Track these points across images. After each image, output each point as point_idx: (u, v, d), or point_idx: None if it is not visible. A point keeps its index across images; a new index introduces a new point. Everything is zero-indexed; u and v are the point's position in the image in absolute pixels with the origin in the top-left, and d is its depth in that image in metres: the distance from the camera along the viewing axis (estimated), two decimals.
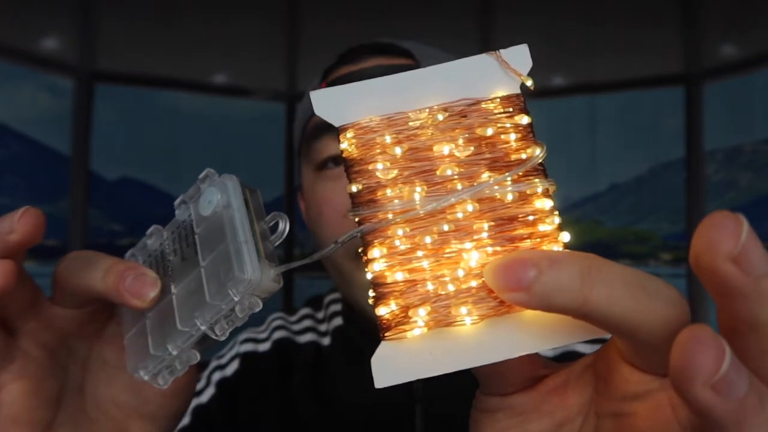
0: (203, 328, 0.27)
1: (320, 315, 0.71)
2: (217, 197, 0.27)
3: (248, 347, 0.68)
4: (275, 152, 5.54)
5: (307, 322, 0.70)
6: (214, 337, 0.27)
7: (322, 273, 0.65)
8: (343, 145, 0.23)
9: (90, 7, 3.98)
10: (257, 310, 0.26)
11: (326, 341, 0.67)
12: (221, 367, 0.67)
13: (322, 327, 0.70)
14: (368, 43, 0.63)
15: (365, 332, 0.62)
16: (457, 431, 0.59)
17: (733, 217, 0.18)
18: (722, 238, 0.18)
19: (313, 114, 0.61)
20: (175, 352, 0.28)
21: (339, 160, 0.58)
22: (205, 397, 0.65)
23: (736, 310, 0.18)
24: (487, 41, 4.52)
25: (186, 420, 0.62)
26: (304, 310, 0.72)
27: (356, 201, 0.23)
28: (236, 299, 0.25)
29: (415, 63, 0.60)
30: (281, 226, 0.27)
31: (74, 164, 4.68)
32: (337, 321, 0.68)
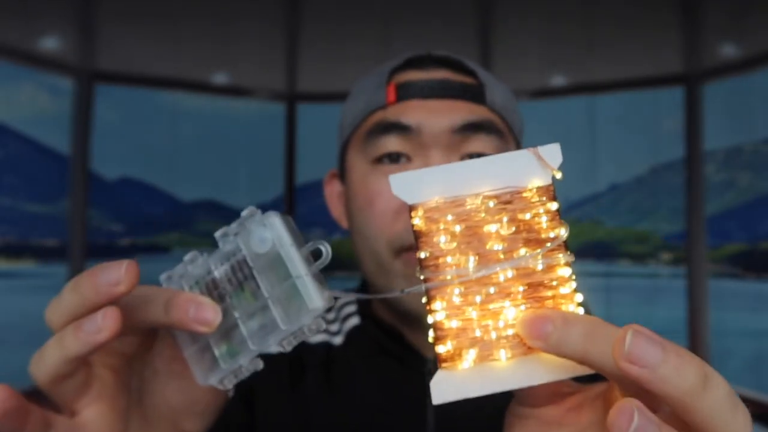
0: (275, 347, 0.33)
1: (330, 316, 0.73)
2: (269, 235, 0.32)
3: None
4: (275, 152, 5.54)
5: None
6: (281, 350, 0.33)
7: (333, 273, 0.66)
8: (416, 221, 0.30)
9: (90, 7, 3.98)
10: (323, 329, 0.33)
11: (338, 340, 0.69)
12: None
13: (333, 327, 0.71)
14: (437, 55, 0.65)
15: (386, 330, 0.65)
16: (468, 425, 0.60)
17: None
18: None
19: (375, 109, 0.64)
20: (245, 364, 0.34)
21: (395, 157, 0.61)
22: None
23: None
24: (486, 41, 4.52)
25: None
26: None
27: (423, 264, 0.30)
28: (306, 323, 0.32)
29: (478, 83, 0.63)
30: (324, 252, 0.32)
31: (74, 164, 4.68)
32: (353, 321, 0.70)
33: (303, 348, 0.68)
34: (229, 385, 0.35)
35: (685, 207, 4.58)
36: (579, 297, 0.29)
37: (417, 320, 0.61)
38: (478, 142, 0.61)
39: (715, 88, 4.47)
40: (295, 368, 0.67)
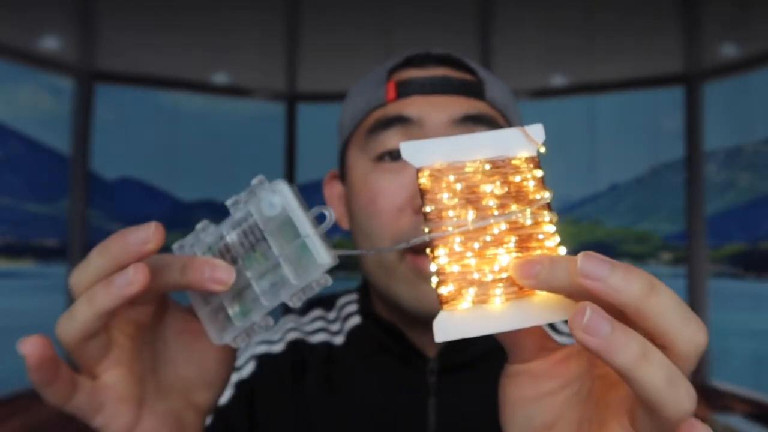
0: (287, 301, 0.36)
1: (332, 315, 0.73)
2: (278, 200, 0.36)
3: (263, 348, 0.69)
4: (275, 152, 5.55)
5: (319, 323, 0.72)
6: (291, 305, 0.36)
7: (334, 274, 0.66)
8: (422, 180, 0.35)
9: (90, 7, 3.98)
10: (330, 284, 0.36)
11: (339, 340, 0.69)
12: (238, 369, 0.68)
13: (334, 327, 0.71)
14: (436, 53, 0.65)
15: (387, 329, 0.65)
16: (469, 424, 0.61)
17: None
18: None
19: (375, 107, 0.63)
20: (257, 321, 0.37)
21: (396, 154, 0.61)
22: (224, 398, 0.65)
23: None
24: (487, 41, 4.52)
25: (206, 421, 0.63)
26: (316, 312, 0.74)
27: (428, 217, 0.34)
28: (315, 278, 0.35)
29: (477, 80, 0.63)
30: (328, 215, 0.36)
31: (74, 164, 4.67)
32: (354, 321, 0.70)
33: (304, 347, 0.68)
34: (242, 343, 0.37)
35: (685, 207, 4.58)
36: (562, 250, 0.34)
37: (418, 319, 0.61)
38: None
39: (715, 88, 4.47)
40: (296, 368, 0.67)
